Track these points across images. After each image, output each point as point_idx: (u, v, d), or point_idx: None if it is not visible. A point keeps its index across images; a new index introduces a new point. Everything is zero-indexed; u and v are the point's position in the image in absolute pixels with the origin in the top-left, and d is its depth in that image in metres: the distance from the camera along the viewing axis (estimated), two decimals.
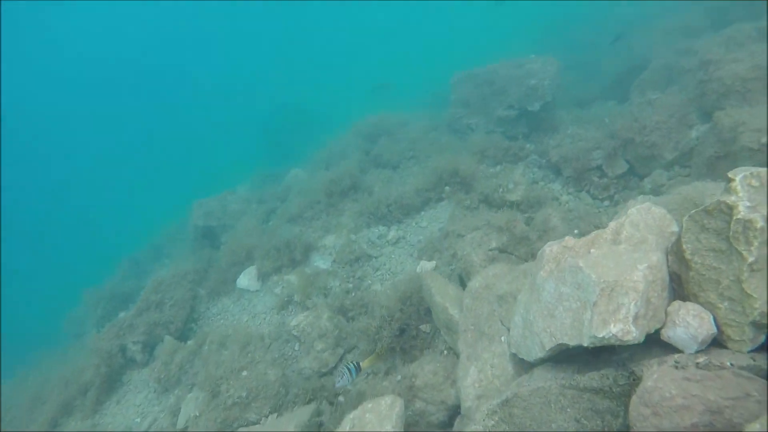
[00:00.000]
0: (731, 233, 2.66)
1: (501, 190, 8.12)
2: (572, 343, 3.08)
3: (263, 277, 9.11)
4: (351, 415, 4.25)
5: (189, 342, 8.46)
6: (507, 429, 3.14)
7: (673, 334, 2.90)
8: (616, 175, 7.88)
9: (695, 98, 6.96)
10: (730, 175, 2.80)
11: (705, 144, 5.88)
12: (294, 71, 45.32)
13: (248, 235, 9.94)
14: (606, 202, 7.82)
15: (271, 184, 15.86)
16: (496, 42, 31.21)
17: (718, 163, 5.60)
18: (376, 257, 8.55)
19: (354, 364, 4.78)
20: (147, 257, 14.27)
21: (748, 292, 2.60)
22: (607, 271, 3.02)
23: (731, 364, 2.58)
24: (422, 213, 9.21)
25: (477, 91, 11.26)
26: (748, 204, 2.63)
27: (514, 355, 3.84)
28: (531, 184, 8.83)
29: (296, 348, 7.17)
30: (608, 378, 2.96)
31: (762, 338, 2.68)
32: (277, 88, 39.64)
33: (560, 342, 3.16)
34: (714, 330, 2.79)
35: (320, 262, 8.91)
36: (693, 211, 2.94)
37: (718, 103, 6.52)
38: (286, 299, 8.19)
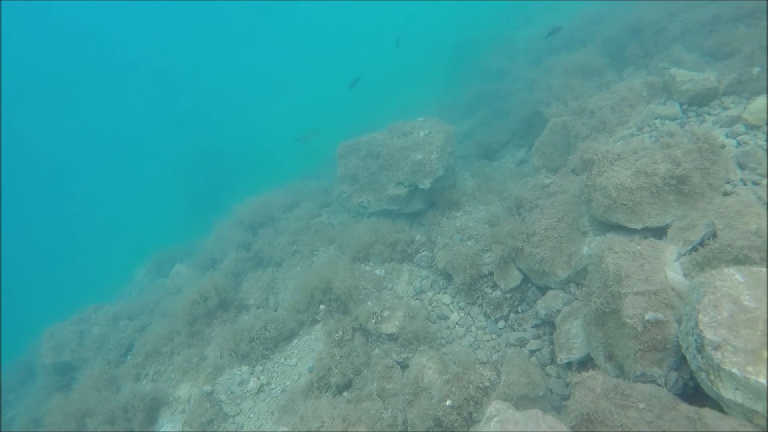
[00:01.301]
0: None
1: (374, 320, 6.54)
2: None
3: None
4: None
5: None
6: None
7: None
8: (509, 288, 6.45)
9: (585, 200, 5.63)
10: None
11: (593, 282, 4.50)
12: (216, 112, 43.02)
13: (86, 391, 7.91)
14: (501, 324, 6.38)
15: (161, 277, 13.89)
16: (405, 74, 30.43)
17: (606, 318, 4.21)
18: (233, 416, 6.77)
19: None
20: None
21: None
22: None
23: None
24: (294, 342, 7.52)
25: (363, 164, 9.74)
26: None
27: None
28: (417, 295, 7.34)
29: None
30: None
31: None
32: (197, 130, 37.36)
33: None
34: None
35: (169, 426, 7.04)
36: None
37: (606, 216, 5.18)
38: None
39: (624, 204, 4.89)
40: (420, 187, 8.88)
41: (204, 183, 28.74)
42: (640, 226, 4.93)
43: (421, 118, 9.88)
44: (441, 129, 9.19)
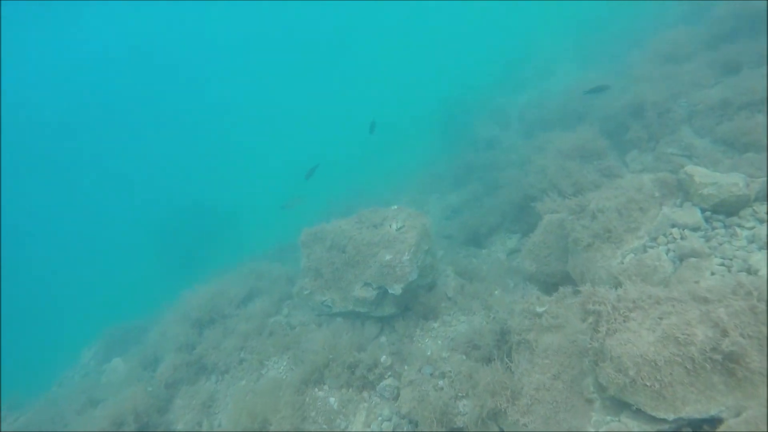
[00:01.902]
0: None
1: None
2: None
3: None
4: None
5: None
6: None
7: None
8: None
9: (591, 363, 4.16)
10: None
11: None
12: (198, 166, 42.29)
13: None
14: None
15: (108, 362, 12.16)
16: (394, 130, 29.86)
17: None
18: None
19: None
20: None
21: None
22: None
23: None
24: None
25: (328, 257, 8.34)
26: None
27: None
28: None
29: None
30: None
31: None
32: (176, 185, 36.39)
33: None
34: None
35: None
36: None
37: (621, 395, 3.70)
38: None
39: (646, 385, 3.42)
40: (390, 292, 7.43)
41: (180, 242, 27.29)
42: (671, 417, 3.44)
43: (395, 207, 8.59)
44: (416, 223, 7.86)
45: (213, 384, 8.01)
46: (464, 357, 5.88)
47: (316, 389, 6.70)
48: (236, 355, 8.04)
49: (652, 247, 5.73)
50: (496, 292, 7.80)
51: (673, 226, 5.83)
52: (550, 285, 7.27)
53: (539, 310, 5.33)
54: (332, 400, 6.46)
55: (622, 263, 5.70)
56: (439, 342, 7.03)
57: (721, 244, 5.28)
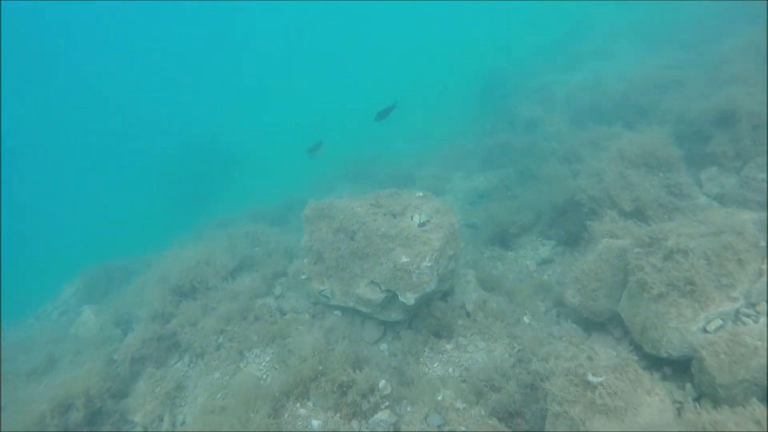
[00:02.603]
0: None
1: None
2: None
3: None
4: None
5: None
6: None
7: None
8: None
9: None
10: None
11: None
12: (212, 103, 40.53)
13: None
14: None
15: (89, 303, 11.36)
16: (428, 96, 27.56)
17: None
18: None
19: None
20: None
21: None
22: None
23: None
24: None
25: (334, 240, 7.11)
26: None
27: None
28: None
29: None
30: None
31: None
32: (188, 121, 34.86)
33: None
34: None
35: None
36: None
37: None
38: None
39: None
40: (400, 299, 6.22)
41: (188, 179, 26.17)
42: None
43: (420, 194, 7.23)
44: (443, 221, 6.51)
45: (184, 367, 7.02)
46: (483, 412, 4.71)
47: (299, 405, 5.65)
48: (214, 339, 6.99)
49: (749, 317, 4.39)
50: (525, 318, 6.56)
51: None
52: (592, 324, 6.02)
53: (593, 380, 4.09)
54: (315, 423, 5.41)
55: (707, 332, 4.39)
56: (450, 370, 5.88)
57: None
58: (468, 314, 6.78)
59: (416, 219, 6.64)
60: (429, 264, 5.96)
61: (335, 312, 7.49)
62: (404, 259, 6.04)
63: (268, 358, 6.72)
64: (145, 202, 27.15)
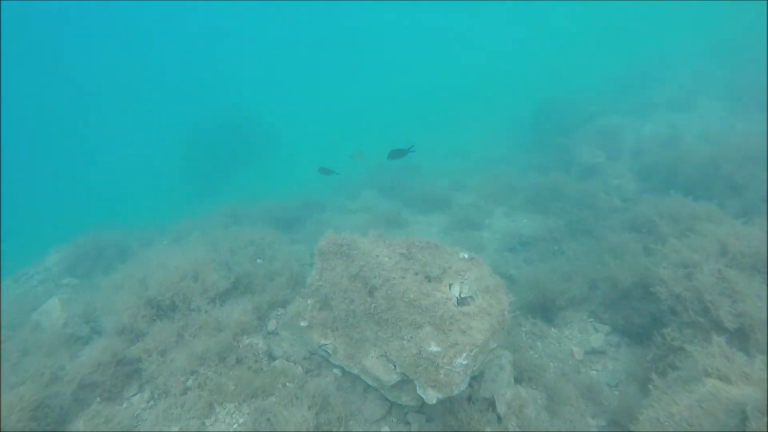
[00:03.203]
0: None
1: None
2: None
3: None
4: None
5: None
6: None
7: None
8: None
9: None
10: None
11: None
12: (252, 80, 39.50)
13: None
14: None
15: (72, 277, 10.30)
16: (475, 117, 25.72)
17: None
18: None
19: None
20: None
21: None
22: None
23: None
24: None
25: (348, 287, 5.72)
26: None
27: None
28: None
29: None
30: None
31: None
32: (224, 96, 33.82)
33: None
34: None
35: None
36: None
37: None
38: None
39: None
40: (418, 393, 4.78)
41: (215, 152, 25.05)
42: None
43: (465, 255, 5.74)
44: (492, 305, 5.02)
45: (141, 404, 5.72)
46: None
47: None
48: (182, 380, 5.67)
49: None
50: None
51: None
52: None
53: None
54: None
55: None
56: None
57: None
58: (499, 419, 5.30)
59: (456, 290, 5.18)
60: (464, 362, 4.49)
61: (334, 370, 6.11)
62: (433, 348, 4.59)
63: (241, 420, 5.37)
64: (168, 171, 26.23)
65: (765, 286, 5.99)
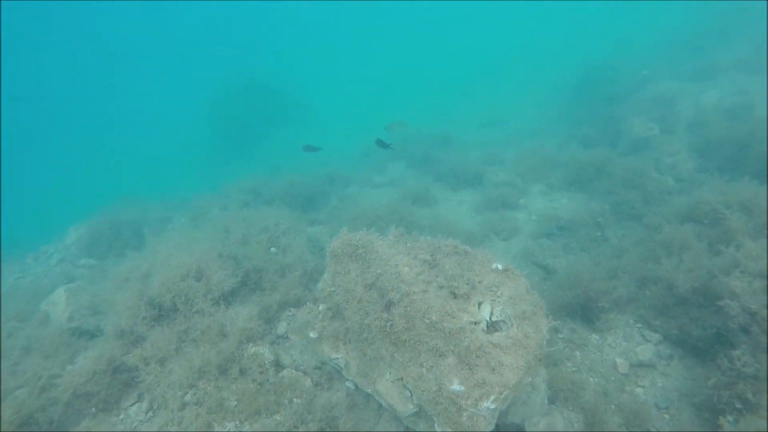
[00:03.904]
0: None
1: None
2: None
3: None
4: None
5: None
6: None
7: None
8: None
9: None
10: None
11: None
12: (285, 45, 38.17)
13: None
14: None
15: (89, 258, 10.14)
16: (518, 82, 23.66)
17: None
18: None
19: None
20: None
21: None
22: None
23: None
24: None
25: (363, 296, 5.05)
26: None
27: None
28: None
29: None
30: None
31: None
32: (255, 62, 32.72)
33: None
34: None
35: None
36: None
37: None
38: None
39: None
40: (437, 429, 4.11)
41: (238, 121, 24.41)
42: None
43: (500, 266, 4.89)
44: (529, 336, 4.20)
45: (139, 416, 5.34)
46: None
47: None
48: (180, 394, 5.20)
49: None
50: None
51: None
52: None
53: None
54: None
55: None
56: None
57: None
58: None
59: (486, 311, 4.39)
60: (492, 407, 3.76)
61: (347, 383, 5.54)
62: (456, 387, 3.87)
63: None
64: (197, 137, 25.86)
65: None
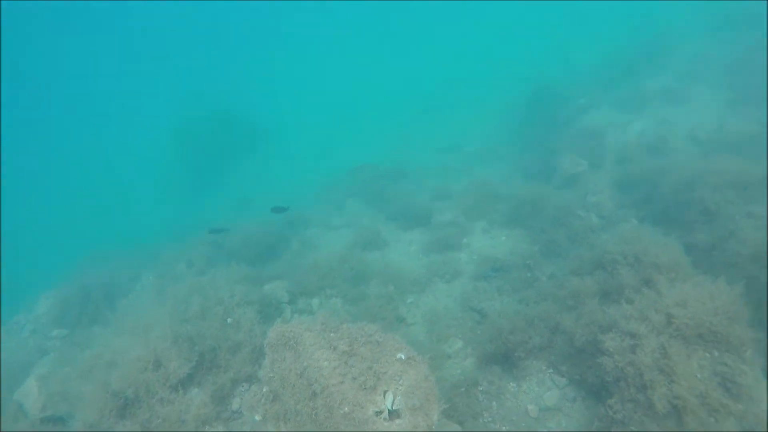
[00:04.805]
0: None
1: None
2: None
3: None
4: None
5: None
6: None
7: None
8: None
9: None
10: None
11: None
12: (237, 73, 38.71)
13: None
14: None
15: (62, 329, 10.78)
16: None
17: None
18: None
19: None
20: None
21: None
22: None
23: None
24: None
25: (296, 383, 5.98)
26: None
27: None
28: None
29: None
30: None
31: None
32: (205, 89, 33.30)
33: None
34: None
35: None
36: None
37: None
38: None
39: None
40: None
41: (207, 151, 25.00)
42: None
43: (403, 356, 5.83)
44: (418, 423, 5.17)
45: None
46: None
47: None
48: None
49: None
50: None
51: None
52: None
53: None
54: None
55: None
56: None
57: None
58: None
59: (389, 400, 5.35)
60: None
61: None
62: None
63: None
64: (161, 171, 26.33)
65: (702, 354, 6.07)
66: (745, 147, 12.36)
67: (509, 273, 10.80)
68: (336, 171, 19.46)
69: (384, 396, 5.40)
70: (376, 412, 5.21)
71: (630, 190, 11.83)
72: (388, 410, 5.26)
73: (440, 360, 8.54)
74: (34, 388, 7.75)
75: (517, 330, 8.26)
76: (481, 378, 7.83)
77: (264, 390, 6.44)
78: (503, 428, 7.06)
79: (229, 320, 8.68)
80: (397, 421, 5.14)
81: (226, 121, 25.61)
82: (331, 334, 6.28)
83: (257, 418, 6.26)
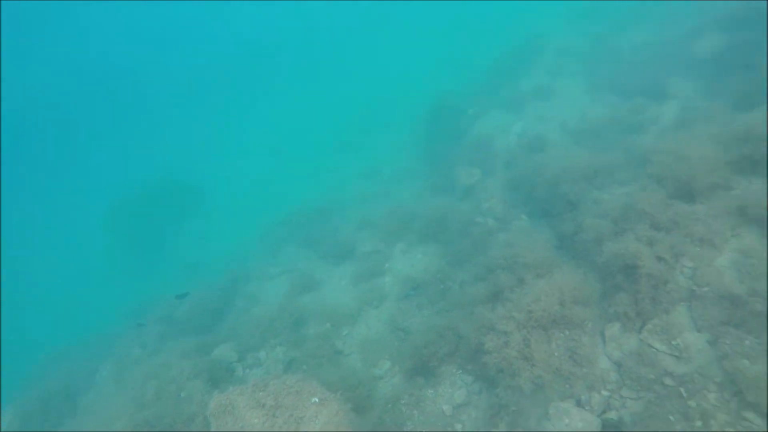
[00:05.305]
0: None
1: None
2: None
3: None
4: None
5: None
6: None
7: None
8: None
9: None
10: None
11: None
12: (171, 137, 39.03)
13: None
14: None
15: None
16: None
17: None
18: None
19: None
20: None
21: None
22: None
23: None
24: None
25: None
26: None
27: None
28: None
29: None
30: None
31: None
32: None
33: None
34: None
35: None
36: None
37: None
38: None
39: None
40: None
41: (146, 220, 25.38)
42: None
43: (316, 399, 7.16)
44: None
45: None
46: None
47: None
48: None
49: None
50: None
51: None
52: None
53: None
54: None
55: None
56: None
57: None
58: None
59: None
60: None
61: None
62: None
63: None
64: (101, 247, 26.40)
65: (557, 334, 7.73)
66: (603, 131, 14.53)
67: (426, 289, 12.26)
68: (271, 218, 20.50)
69: None
70: None
71: (517, 190, 13.59)
72: None
73: (372, 383, 9.86)
74: None
75: (429, 342, 9.70)
76: (404, 392, 9.20)
77: None
78: (424, 430, 8.44)
79: (182, 394, 9.70)
80: None
81: (161, 190, 26.09)
82: (260, 393, 7.52)
83: None
